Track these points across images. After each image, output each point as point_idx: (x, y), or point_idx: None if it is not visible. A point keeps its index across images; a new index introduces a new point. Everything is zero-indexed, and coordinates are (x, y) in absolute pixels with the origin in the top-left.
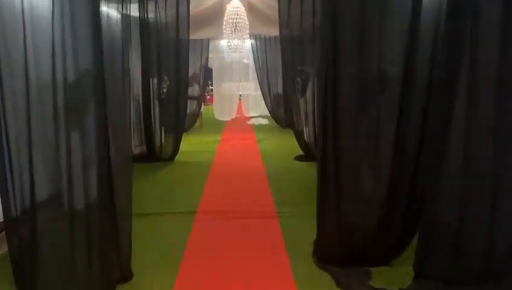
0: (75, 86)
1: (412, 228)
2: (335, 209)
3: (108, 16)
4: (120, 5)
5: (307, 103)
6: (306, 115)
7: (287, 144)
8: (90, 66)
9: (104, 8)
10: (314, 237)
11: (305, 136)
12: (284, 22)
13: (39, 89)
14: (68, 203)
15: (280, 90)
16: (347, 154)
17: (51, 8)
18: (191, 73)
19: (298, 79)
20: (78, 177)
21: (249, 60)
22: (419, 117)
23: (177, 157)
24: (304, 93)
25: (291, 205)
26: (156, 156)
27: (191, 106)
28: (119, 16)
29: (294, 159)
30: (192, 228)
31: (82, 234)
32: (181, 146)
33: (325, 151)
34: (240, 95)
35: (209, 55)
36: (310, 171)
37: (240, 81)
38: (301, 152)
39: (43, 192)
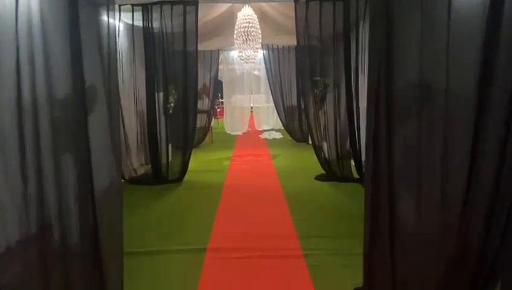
0: (49, 108)
1: (491, 277)
2: (388, 251)
3: (90, 25)
4: (107, 12)
5: (327, 116)
6: (326, 128)
7: (304, 161)
8: (66, 85)
9: (85, 15)
10: (353, 283)
11: (325, 152)
12: (301, 30)
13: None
14: (40, 246)
15: (294, 102)
16: (405, 180)
17: (14, 16)
18: (200, 85)
19: (316, 90)
20: (52, 214)
21: (260, 72)
22: (499, 140)
23: (186, 177)
24: (322, 105)
25: (319, 238)
26: (162, 176)
27: (200, 120)
28: (106, 24)
29: (315, 178)
30: (202, 272)
31: (58, 283)
32: (190, 164)
33: (375, 175)
34: (252, 108)
35: (219, 67)
36: (334, 193)
37: (251, 93)
38: (321, 169)
39: (8, 234)
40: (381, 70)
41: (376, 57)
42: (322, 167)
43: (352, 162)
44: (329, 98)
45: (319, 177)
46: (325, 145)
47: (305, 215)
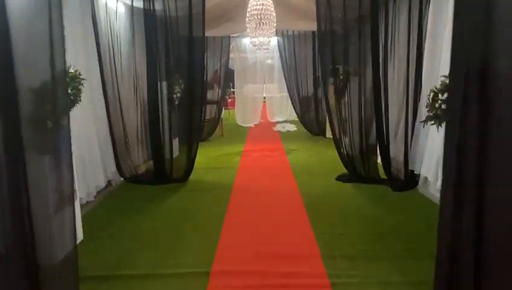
0: None
1: None
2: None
3: None
4: None
5: (350, 107)
6: (348, 121)
7: (322, 156)
8: None
9: None
10: None
11: (347, 147)
12: (323, 13)
13: None
14: None
15: (310, 91)
16: (504, 189)
17: None
18: (210, 74)
19: (337, 79)
20: None
21: (274, 60)
22: None
23: (192, 176)
24: (343, 95)
25: (348, 260)
26: (165, 175)
27: (210, 111)
28: None
29: (336, 179)
30: None
31: None
32: (197, 160)
33: (460, 182)
34: (264, 98)
35: (230, 55)
36: (360, 198)
37: (264, 83)
38: (341, 167)
39: None
40: (476, 50)
41: (466, 34)
42: (344, 165)
43: (379, 160)
44: (353, 87)
45: (340, 178)
46: (347, 140)
47: (329, 227)
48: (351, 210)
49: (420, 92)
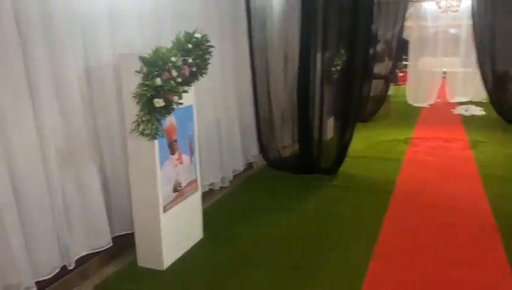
0: None
1: None
2: None
3: None
4: None
5: None
6: None
7: None
8: None
9: None
10: None
11: None
12: None
13: None
14: None
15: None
16: None
17: None
18: (381, 44)
19: None
20: None
21: (460, 30)
22: None
23: (342, 167)
24: None
25: None
26: (312, 162)
27: (375, 87)
28: None
29: None
30: None
31: None
32: (353, 146)
33: None
34: (445, 73)
35: (406, 23)
36: None
37: (445, 56)
38: None
39: None
40: None
41: None
42: None
43: None
44: None
45: None
46: None
47: None
48: None
49: None
